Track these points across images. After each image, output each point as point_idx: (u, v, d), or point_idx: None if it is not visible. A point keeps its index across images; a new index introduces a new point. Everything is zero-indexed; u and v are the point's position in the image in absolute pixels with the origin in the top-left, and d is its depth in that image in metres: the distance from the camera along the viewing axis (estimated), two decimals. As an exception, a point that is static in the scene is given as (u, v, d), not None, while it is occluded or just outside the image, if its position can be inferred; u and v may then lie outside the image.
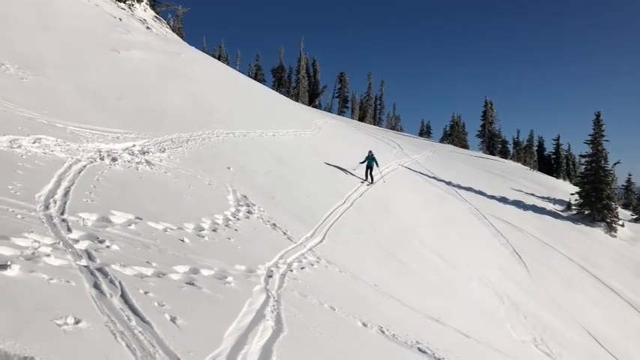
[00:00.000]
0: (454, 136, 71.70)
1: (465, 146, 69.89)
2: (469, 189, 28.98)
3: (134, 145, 13.20)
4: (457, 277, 14.73)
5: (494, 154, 66.46)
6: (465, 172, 35.20)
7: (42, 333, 3.18)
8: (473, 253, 17.65)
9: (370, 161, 19.76)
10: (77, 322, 3.51)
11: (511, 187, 34.87)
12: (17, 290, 3.74)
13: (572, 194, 34.76)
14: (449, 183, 28.77)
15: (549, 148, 75.61)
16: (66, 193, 7.47)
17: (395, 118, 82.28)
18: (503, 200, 29.38)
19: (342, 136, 31.31)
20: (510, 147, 72.87)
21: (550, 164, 71.41)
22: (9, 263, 4.06)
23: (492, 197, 29.16)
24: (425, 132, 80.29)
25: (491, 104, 71.27)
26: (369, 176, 19.56)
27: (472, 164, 43.33)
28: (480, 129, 71.57)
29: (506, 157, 66.30)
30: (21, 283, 3.89)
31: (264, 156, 18.38)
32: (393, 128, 75.80)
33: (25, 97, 12.74)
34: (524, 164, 61.22)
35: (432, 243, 16.55)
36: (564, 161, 72.47)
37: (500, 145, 71.54)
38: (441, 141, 70.44)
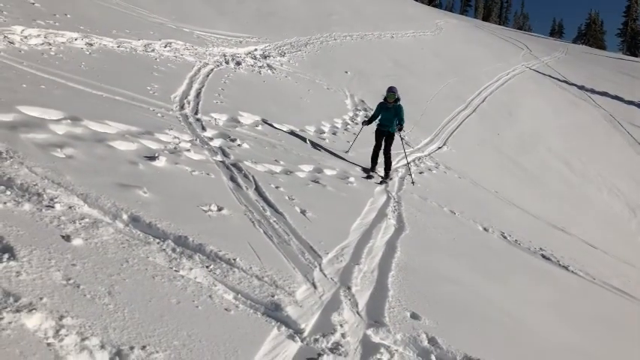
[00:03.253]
0: (590, 35, 65.01)
1: (601, 47, 63.10)
2: (604, 94, 26.43)
3: (256, 50, 13.50)
4: (585, 187, 13.89)
5: (636, 55, 59.26)
6: (600, 76, 31.96)
7: (191, 216, 3.51)
8: (604, 162, 16.40)
9: (386, 116, 8.04)
10: (220, 209, 3.82)
11: (655, 91, 31.25)
12: (166, 179, 4.12)
13: None
14: (581, 87, 26.41)
15: None
16: (197, 95, 7.93)
17: (523, 16, 75.90)
18: (643, 106, 26.53)
19: (465, 37, 29.53)
20: (657, 47, 64.64)
21: None
22: (157, 155, 4.46)
23: (631, 103, 26.37)
24: (556, 32, 73.56)
25: (638, -2, 62.88)
26: (377, 159, 8.02)
27: (609, 66, 39.09)
28: (622, 27, 64.06)
29: (651, 59, 59.06)
30: (169, 173, 4.27)
31: (382, 59, 17.97)
32: (520, 28, 69.91)
33: (154, 3, 13.33)
34: (672, 66, 54.21)
35: (559, 151, 15.59)
36: None
37: (644, 45, 63.71)
38: (574, 41, 64.06)
